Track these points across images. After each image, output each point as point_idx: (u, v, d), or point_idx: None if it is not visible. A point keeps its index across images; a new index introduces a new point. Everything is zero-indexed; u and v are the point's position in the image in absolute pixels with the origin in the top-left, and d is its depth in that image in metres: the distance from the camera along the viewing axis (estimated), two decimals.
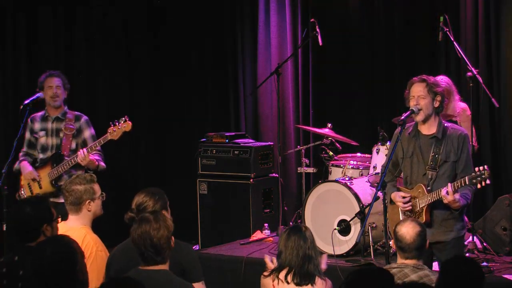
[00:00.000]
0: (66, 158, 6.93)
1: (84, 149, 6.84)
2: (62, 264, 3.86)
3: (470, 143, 5.87)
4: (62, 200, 6.47)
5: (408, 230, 4.88)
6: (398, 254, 4.92)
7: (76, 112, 7.14)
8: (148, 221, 4.25)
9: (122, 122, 6.85)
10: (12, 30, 9.05)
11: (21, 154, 7.12)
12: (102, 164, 7.00)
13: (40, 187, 6.97)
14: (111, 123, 6.85)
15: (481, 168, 5.33)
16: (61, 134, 7.02)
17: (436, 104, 5.63)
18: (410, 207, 5.64)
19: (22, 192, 7.02)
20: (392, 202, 5.73)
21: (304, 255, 4.76)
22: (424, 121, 5.64)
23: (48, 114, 7.07)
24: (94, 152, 6.91)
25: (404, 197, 5.65)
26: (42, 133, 7.06)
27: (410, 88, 5.68)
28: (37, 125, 7.07)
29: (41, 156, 7.06)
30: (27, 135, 7.10)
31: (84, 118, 7.12)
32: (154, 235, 4.20)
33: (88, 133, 7.07)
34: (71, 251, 3.95)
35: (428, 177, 5.61)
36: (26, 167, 7.00)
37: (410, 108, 5.62)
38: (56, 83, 7.02)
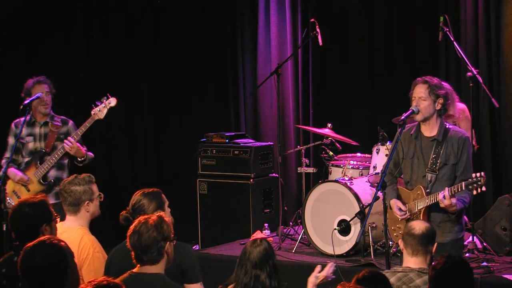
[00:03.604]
0: (47, 156, 6.90)
1: (70, 137, 6.81)
2: (53, 267, 3.86)
3: (471, 145, 5.87)
4: (51, 202, 6.46)
5: (418, 223, 4.92)
6: (405, 252, 4.89)
7: (62, 117, 7.10)
8: (145, 222, 4.28)
9: (105, 99, 6.84)
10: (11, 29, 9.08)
11: (3, 161, 6.99)
12: (90, 153, 6.97)
13: (28, 190, 6.90)
14: (92, 105, 6.84)
15: (477, 174, 5.34)
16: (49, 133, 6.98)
17: (438, 107, 5.64)
18: (408, 217, 5.66)
19: (9, 201, 6.90)
20: (390, 207, 5.73)
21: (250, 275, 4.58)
22: (424, 121, 5.65)
23: (35, 120, 7.01)
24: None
25: (401, 210, 5.66)
26: (29, 138, 6.99)
27: (413, 88, 5.70)
28: (24, 131, 6.95)
29: (26, 159, 7.01)
30: (11, 140, 6.97)
31: (71, 122, 7.09)
32: (143, 233, 4.23)
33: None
34: (62, 253, 3.95)
35: (427, 179, 5.62)
36: (15, 173, 6.92)
37: (410, 108, 5.63)
38: (46, 90, 6.98)
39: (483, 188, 5.34)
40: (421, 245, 4.81)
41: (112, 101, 6.85)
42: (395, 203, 5.69)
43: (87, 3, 9.63)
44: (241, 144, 8.58)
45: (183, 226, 6.95)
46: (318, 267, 4.93)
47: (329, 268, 4.95)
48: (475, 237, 7.14)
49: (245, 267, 4.54)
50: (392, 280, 4.74)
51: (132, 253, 4.29)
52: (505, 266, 6.81)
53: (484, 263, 6.74)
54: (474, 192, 5.38)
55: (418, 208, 5.60)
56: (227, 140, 8.62)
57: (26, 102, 6.84)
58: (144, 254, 4.23)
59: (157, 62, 9.81)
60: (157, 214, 4.54)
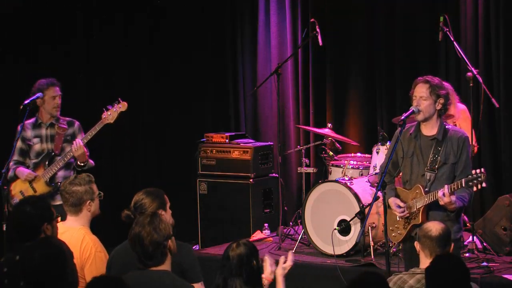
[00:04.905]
0: (58, 157, 6.90)
1: (79, 140, 6.81)
2: (51, 266, 3.86)
3: (471, 145, 5.86)
4: (57, 202, 6.46)
5: (434, 224, 4.93)
6: (422, 254, 4.89)
7: (68, 118, 7.08)
8: (142, 225, 4.25)
9: (116, 104, 6.84)
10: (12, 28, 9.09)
11: (12, 163, 6.92)
12: (91, 161, 6.97)
13: (35, 191, 6.89)
14: (104, 109, 6.83)
15: (477, 170, 5.33)
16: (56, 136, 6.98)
17: (438, 107, 5.63)
18: (407, 215, 5.65)
19: (15, 201, 6.84)
20: (389, 206, 5.71)
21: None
22: (425, 121, 5.65)
23: (41, 121, 6.99)
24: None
25: (399, 206, 5.65)
26: (36, 140, 6.97)
27: (414, 88, 5.69)
28: (30, 132, 6.96)
29: (34, 161, 6.99)
30: (19, 143, 6.92)
31: (77, 123, 7.07)
32: (143, 239, 4.20)
33: (80, 138, 7.01)
34: (60, 253, 3.95)
35: (426, 178, 5.62)
36: (23, 170, 6.91)
37: (411, 108, 5.62)
38: (59, 93, 6.97)
39: (484, 184, 5.33)
40: (439, 247, 4.82)
41: (123, 106, 6.85)
42: (393, 201, 5.69)
43: (87, 3, 9.64)
44: (241, 144, 8.58)
45: (183, 226, 6.96)
46: (282, 258, 4.80)
47: (290, 256, 4.84)
48: (475, 237, 7.15)
49: (221, 270, 4.38)
50: (411, 282, 4.75)
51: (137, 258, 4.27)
52: (505, 266, 6.82)
53: (484, 263, 6.75)
54: (475, 189, 5.37)
55: (417, 207, 5.59)
56: (227, 140, 8.62)
57: (26, 102, 6.82)
58: (149, 260, 4.22)
59: (157, 62, 9.81)
60: (152, 213, 4.51)
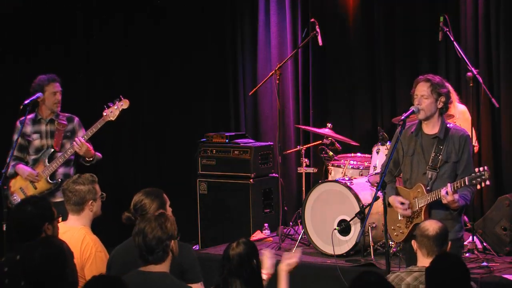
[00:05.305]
0: (58, 153, 6.90)
1: (80, 137, 6.80)
2: (51, 266, 3.86)
3: (472, 144, 5.86)
4: (58, 199, 6.46)
5: (431, 223, 4.94)
6: (420, 253, 4.91)
7: (67, 114, 7.07)
8: (149, 220, 4.29)
9: (117, 101, 6.85)
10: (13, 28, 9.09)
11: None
12: (99, 154, 6.96)
13: (35, 188, 6.89)
14: (105, 106, 6.84)
15: (481, 168, 5.32)
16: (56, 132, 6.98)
17: (440, 105, 5.63)
18: (410, 213, 5.63)
19: (15, 197, 6.87)
20: (390, 205, 5.70)
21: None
22: (426, 120, 5.65)
23: (41, 117, 6.99)
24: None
25: (402, 203, 5.63)
26: (35, 135, 6.97)
27: (415, 87, 5.69)
28: (29, 128, 6.96)
29: (33, 157, 6.99)
30: (18, 139, 6.90)
31: (76, 119, 7.07)
32: (147, 233, 4.23)
33: (81, 134, 7.01)
34: (60, 253, 3.95)
35: (428, 177, 5.61)
36: (24, 169, 6.91)
37: (411, 108, 5.62)
38: (59, 89, 6.98)
39: (487, 182, 5.32)
40: (436, 246, 4.83)
41: (125, 103, 6.85)
42: (395, 199, 5.68)
43: (87, 3, 9.64)
44: (241, 144, 8.58)
45: (183, 226, 6.96)
46: (286, 254, 4.80)
47: (297, 253, 4.84)
48: (475, 237, 7.15)
49: (221, 270, 4.34)
50: (408, 279, 4.76)
51: (138, 252, 4.29)
52: (505, 266, 6.83)
53: (484, 263, 6.75)
54: (478, 187, 5.36)
55: (419, 206, 5.58)
56: (227, 140, 8.63)
57: (26, 102, 6.81)
58: (150, 254, 4.24)
59: (157, 62, 9.81)
60: (160, 212, 4.55)
